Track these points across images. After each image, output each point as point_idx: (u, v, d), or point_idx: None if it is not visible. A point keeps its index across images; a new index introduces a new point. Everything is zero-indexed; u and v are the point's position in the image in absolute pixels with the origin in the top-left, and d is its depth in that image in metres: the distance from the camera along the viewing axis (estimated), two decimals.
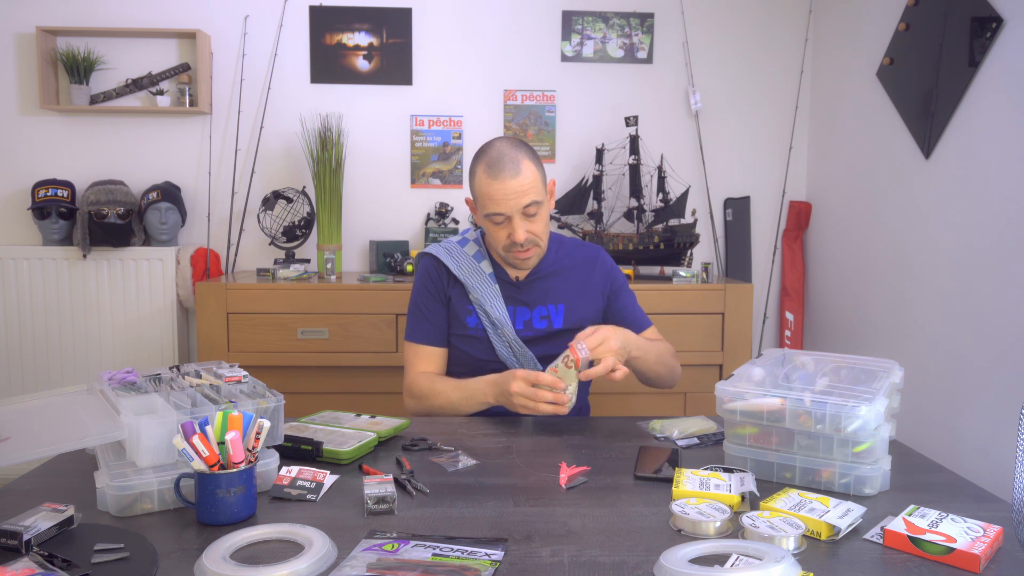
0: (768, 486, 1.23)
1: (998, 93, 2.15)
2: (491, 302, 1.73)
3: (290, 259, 3.07)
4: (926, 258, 2.46)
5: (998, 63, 2.15)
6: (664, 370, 1.73)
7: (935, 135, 2.40)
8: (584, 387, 1.86)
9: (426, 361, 1.77)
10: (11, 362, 3.05)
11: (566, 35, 3.23)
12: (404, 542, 1.01)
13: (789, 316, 3.29)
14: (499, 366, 1.72)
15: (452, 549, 1.00)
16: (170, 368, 1.42)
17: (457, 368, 1.79)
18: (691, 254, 3.03)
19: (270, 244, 3.11)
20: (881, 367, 1.36)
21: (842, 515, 1.07)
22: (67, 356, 3.05)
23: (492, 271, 1.77)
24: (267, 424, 1.14)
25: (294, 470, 1.23)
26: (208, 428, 1.08)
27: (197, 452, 1.06)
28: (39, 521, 1.00)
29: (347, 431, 1.43)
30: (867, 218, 2.83)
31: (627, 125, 3.10)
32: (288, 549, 0.99)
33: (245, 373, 1.37)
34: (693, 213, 3.03)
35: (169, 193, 3.06)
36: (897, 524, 1.04)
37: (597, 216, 3.11)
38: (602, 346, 1.52)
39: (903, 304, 2.59)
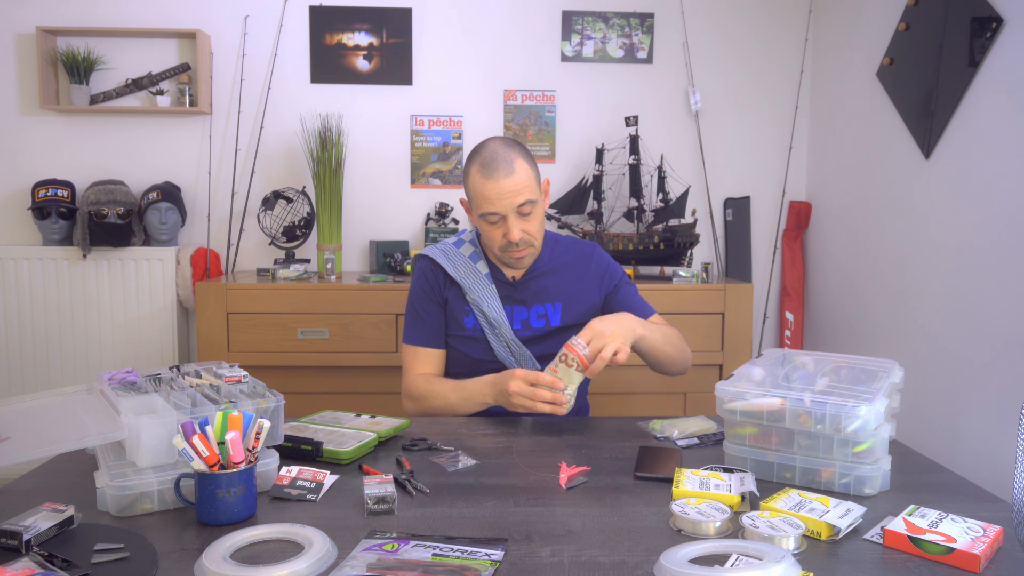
0: (768, 486, 1.23)
1: (998, 93, 2.15)
2: (488, 302, 1.73)
3: (290, 259, 3.07)
4: (926, 258, 2.46)
5: (998, 63, 2.15)
6: (674, 351, 1.71)
7: (935, 135, 2.40)
8: (584, 387, 1.86)
9: (424, 363, 1.77)
10: (11, 362, 3.05)
11: (566, 35, 3.23)
12: (404, 542, 1.01)
13: (789, 316, 3.29)
14: (497, 366, 1.72)
15: (452, 549, 1.00)
16: (170, 368, 1.42)
17: (456, 369, 1.79)
18: (691, 254, 3.03)
19: (270, 244, 3.11)
20: (881, 367, 1.36)
21: (842, 515, 1.07)
22: (67, 356, 3.05)
23: (488, 271, 1.77)
24: (267, 424, 1.14)
25: (294, 470, 1.23)
26: (208, 428, 1.08)
27: (197, 452, 1.06)
28: (39, 521, 1.00)
29: (347, 431, 1.43)
30: (867, 218, 2.83)
31: (627, 125, 3.10)
32: (288, 549, 0.99)
33: (245, 373, 1.37)
34: (693, 213, 3.03)
35: (169, 193, 3.06)
36: (897, 524, 1.04)
37: (597, 216, 3.11)
38: (597, 339, 1.51)
39: (903, 304, 2.59)
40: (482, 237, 1.74)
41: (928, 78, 2.44)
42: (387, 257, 3.05)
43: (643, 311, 1.81)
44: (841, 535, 1.05)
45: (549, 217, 3.21)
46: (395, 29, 3.18)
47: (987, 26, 2.18)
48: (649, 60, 3.25)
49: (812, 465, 1.23)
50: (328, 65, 3.19)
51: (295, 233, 3.10)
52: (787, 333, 3.28)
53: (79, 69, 3.04)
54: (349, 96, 3.21)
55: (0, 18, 3.09)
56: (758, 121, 3.30)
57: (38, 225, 3.03)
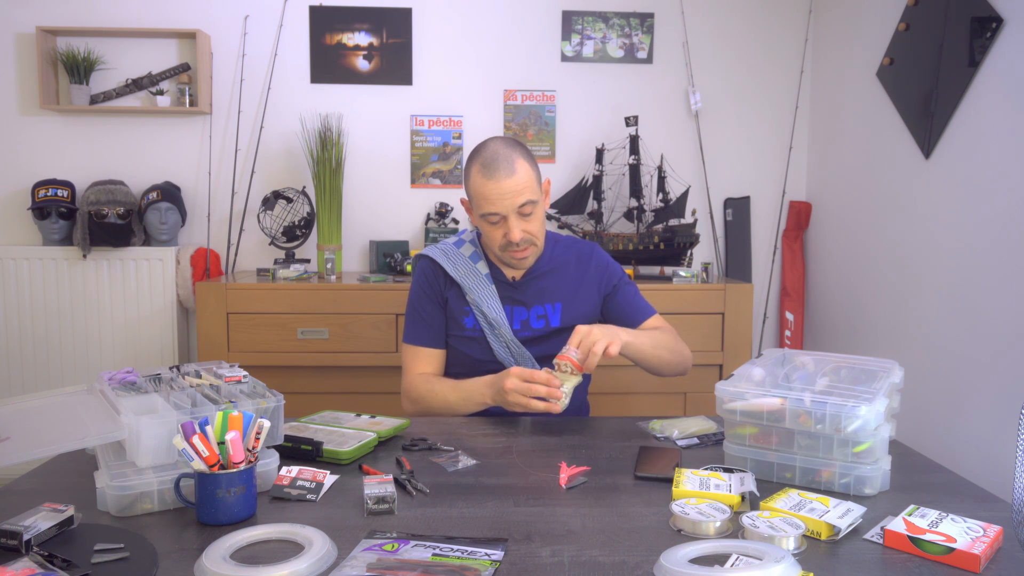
0: (768, 486, 1.23)
1: (998, 93, 2.15)
2: (488, 303, 1.73)
3: (290, 259, 3.07)
4: (926, 258, 2.46)
5: (998, 63, 2.15)
6: (667, 354, 1.71)
7: (935, 135, 2.40)
8: (584, 387, 1.86)
9: (424, 363, 1.77)
10: (11, 362, 3.05)
11: (566, 35, 3.23)
12: (404, 542, 1.01)
13: (789, 316, 3.29)
14: (497, 367, 1.72)
15: (452, 549, 1.00)
16: (170, 368, 1.42)
17: (456, 369, 1.79)
18: (691, 254, 3.03)
19: (270, 244, 3.11)
20: (881, 367, 1.36)
21: (842, 515, 1.07)
22: (67, 356, 3.05)
23: (488, 271, 1.77)
24: (267, 424, 1.14)
25: (294, 470, 1.23)
26: (208, 428, 1.08)
27: (197, 452, 1.06)
28: (39, 521, 1.00)
29: (347, 431, 1.43)
30: (867, 218, 2.83)
31: (627, 125, 3.10)
32: (288, 549, 0.99)
33: (245, 373, 1.37)
34: (693, 213, 3.03)
35: (169, 193, 3.06)
36: (897, 524, 1.04)
37: (597, 216, 3.11)
38: (586, 339, 1.51)
39: (903, 304, 2.59)
40: (483, 237, 1.74)
41: (928, 78, 2.44)
42: (387, 257, 3.05)
43: (643, 311, 1.81)
44: (841, 535, 1.05)
45: (549, 217, 3.21)
46: (395, 29, 3.18)
47: (987, 26, 2.18)
48: (649, 60, 3.25)
49: (812, 465, 1.23)
50: (328, 65, 3.19)
51: (295, 233, 3.10)
52: (787, 333, 3.28)
53: (79, 69, 3.04)
54: (349, 96, 3.21)
55: (0, 18, 3.09)
56: (758, 121, 3.30)
57: (38, 225, 3.03)
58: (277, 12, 3.16)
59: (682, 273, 2.93)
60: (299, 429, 1.43)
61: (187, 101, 3.10)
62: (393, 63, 3.20)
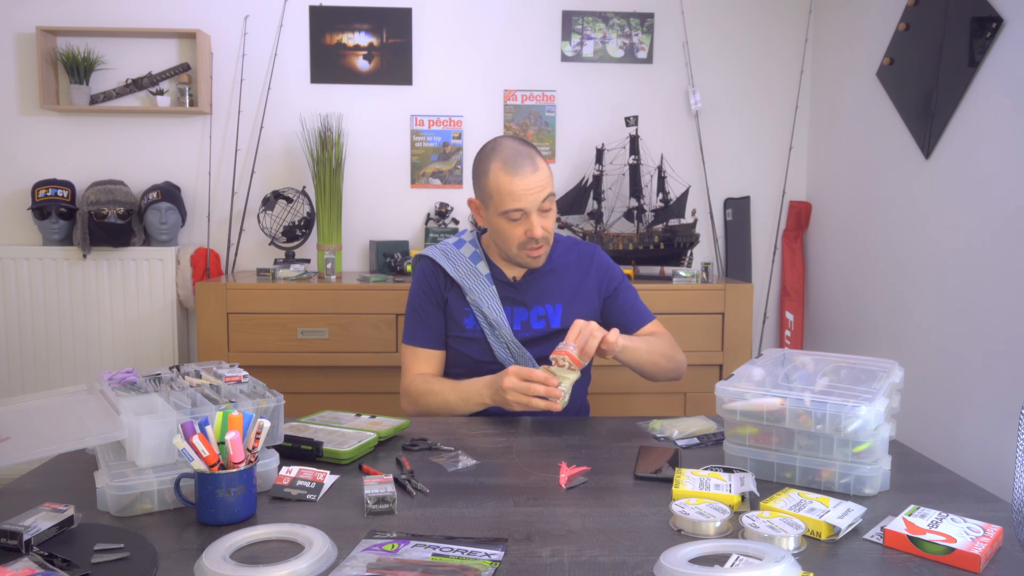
0: (768, 486, 1.23)
1: (998, 93, 2.15)
2: (488, 303, 1.73)
3: (290, 259, 3.07)
4: (926, 258, 2.47)
5: (998, 63, 2.15)
6: (663, 360, 1.72)
7: (935, 135, 2.40)
8: (583, 386, 1.86)
9: (423, 363, 1.77)
10: (11, 362, 3.05)
11: (566, 35, 3.23)
12: (404, 542, 1.01)
13: (789, 316, 3.29)
14: (497, 367, 1.71)
15: (452, 549, 1.00)
16: (170, 368, 1.42)
17: (456, 369, 1.79)
18: (691, 254, 3.03)
19: (270, 244, 3.11)
20: (881, 367, 1.36)
21: (842, 515, 1.07)
22: (67, 356, 3.05)
23: (489, 272, 1.76)
24: (267, 424, 1.14)
25: (294, 470, 1.23)
26: (208, 428, 1.08)
27: (197, 452, 1.06)
28: (39, 521, 1.00)
29: (347, 431, 1.43)
30: (867, 218, 2.83)
31: (627, 125, 3.10)
32: (288, 549, 0.99)
33: (245, 373, 1.37)
34: (693, 213, 3.03)
35: (169, 193, 3.06)
36: (897, 524, 1.04)
37: (597, 216, 3.11)
38: (584, 331, 1.52)
39: (903, 304, 2.59)
40: (497, 237, 1.71)
41: (928, 78, 2.44)
42: (387, 257, 3.05)
43: (642, 316, 1.81)
44: (841, 535, 1.05)
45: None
46: (395, 29, 3.18)
47: (987, 26, 2.18)
48: (649, 60, 3.25)
49: (812, 465, 1.23)
50: (328, 65, 3.19)
51: (295, 233, 3.10)
52: (787, 333, 3.28)
53: (79, 69, 3.04)
54: (349, 96, 3.21)
55: (0, 18, 3.09)
56: (758, 121, 3.30)
57: (38, 225, 3.04)
58: (277, 12, 3.16)
59: (682, 273, 2.93)
60: (299, 429, 1.43)
61: (187, 101, 3.10)
62: (393, 63, 3.20)
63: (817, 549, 1.02)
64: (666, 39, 3.25)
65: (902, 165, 2.60)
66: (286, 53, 3.18)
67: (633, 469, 1.32)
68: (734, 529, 1.08)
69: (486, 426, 1.57)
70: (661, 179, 3.08)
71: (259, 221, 3.10)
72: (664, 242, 2.94)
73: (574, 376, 1.52)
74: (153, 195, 3.04)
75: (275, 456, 1.23)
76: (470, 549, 1.00)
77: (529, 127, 3.25)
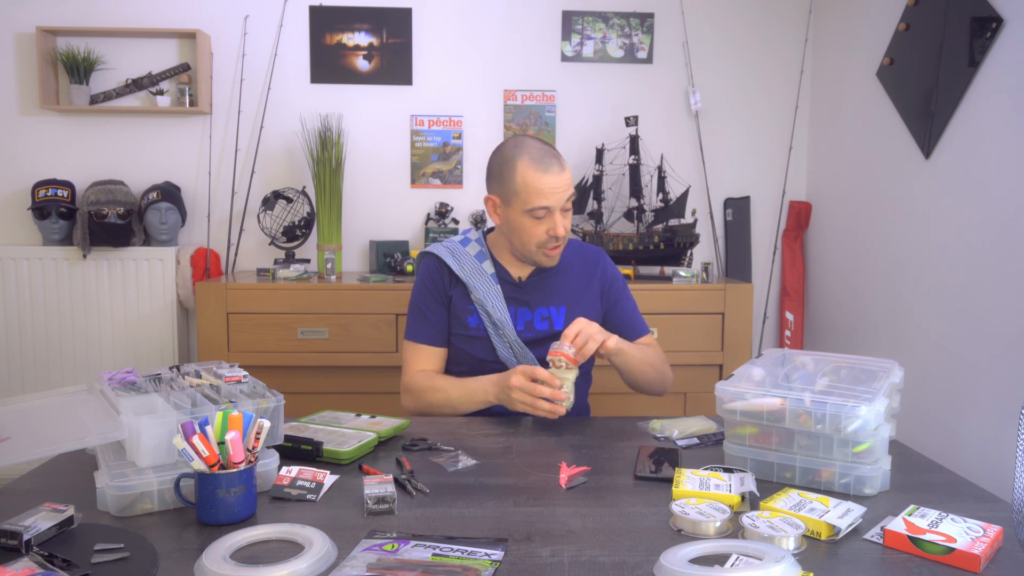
0: (768, 486, 1.23)
1: (998, 93, 2.15)
2: (492, 303, 1.73)
3: (290, 259, 3.07)
4: (926, 258, 2.47)
5: (998, 63, 2.15)
6: (652, 372, 1.73)
7: (935, 135, 2.40)
8: (584, 387, 1.86)
9: (425, 360, 1.77)
10: (11, 362, 3.05)
11: (566, 35, 3.23)
12: (404, 542, 1.01)
13: (789, 316, 3.29)
14: (500, 367, 1.72)
15: (452, 549, 1.00)
16: (170, 368, 1.42)
17: (458, 368, 1.78)
18: (691, 254, 3.03)
19: (270, 244, 3.11)
20: (881, 367, 1.36)
21: (842, 515, 1.07)
22: (67, 356, 3.05)
23: (494, 271, 1.76)
24: (267, 424, 1.14)
25: (294, 470, 1.23)
26: (208, 428, 1.08)
27: (197, 452, 1.06)
28: (39, 521, 1.00)
29: (347, 431, 1.43)
30: (867, 218, 2.83)
31: (627, 125, 3.10)
32: (288, 549, 0.99)
33: (245, 373, 1.37)
34: (693, 213, 3.03)
35: (169, 193, 3.06)
36: (897, 524, 1.04)
37: (597, 216, 3.11)
38: (584, 331, 1.54)
39: (903, 304, 2.59)
40: (512, 234, 1.71)
41: (928, 78, 2.44)
42: (387, 257, 3.05)
43: (639, 328, 1.82)
44: (841, 535, 1.05)
45: None
46: (395, 29, 3.18)
47: (987, 26, 2.18)
48: (649, 60, 3.25)
49: (812, 465, 1.23)
50: (328, 65, 3.19)
51: (295, 233, 3.10)
52: (787, 333, 3.28)
53: (79, 69, 3.04)
54: (349, 96, 3.21)
55: (0, 18, 3.09)
56: (758, 121, 3.30)
57: (38, 225, 3.03)
58: (277, 12, 3.16)
59: (682, 273, 2.93)
60: (299, 429, 1.43)
61: (187, 101, 3.10)
62: (393, 63, 3.20)
63: (817, 549, 1.02)
64: (666, 39, 3.25)
65: (902, 165, 2.60)
66: (286, 53, 3.18)
67: (633, 469, 1.32)
68: (734, 529, 1.08)
69: (486, 426, 1.57)
70: (661, 179, 3.08)
71: (259, 221, 3.10)
72: (664, 242, 2.94)
73: (573, 375, 1.53)
74: (153, 195, 3.04)
75: (275, 456, 1.23)
76: (470, 549, 1.00)
77: (529, 127, 3.25)
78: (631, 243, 2.99)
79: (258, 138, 3.17)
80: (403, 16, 3.18)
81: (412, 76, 3.21)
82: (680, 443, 1.47)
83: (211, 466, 1.07)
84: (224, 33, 3.15)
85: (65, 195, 3.02)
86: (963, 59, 2.27)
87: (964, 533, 1.01)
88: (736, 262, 3.30)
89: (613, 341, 1.56)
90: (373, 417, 1.53)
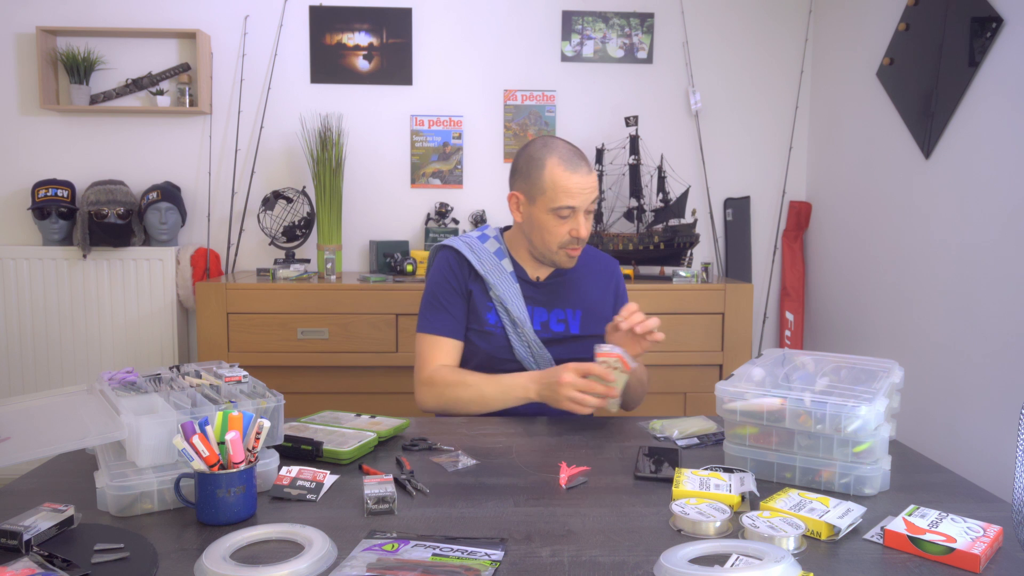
0: (768, 486, 1.23)
1: (998, 93, 2.15)
2: (513, 301, 1.72)
3: (290, 259, 3.07)
4: (926, 258, 2.47)
5: (998, 63, 2.15)
6: (638, 387, 1.75)
7: (935, 135, 2.40)
8: None
9: (444, 354, 1.72)
10: (11, 362, 3.05)
11: (566, 35, 3.23)
12: (404, 542, 1.01)
13: (789, 316, 3.29)
14: (515, 365, 1.71)
15: (452, 549, 1.00)
16: (170, 368, 1.42)
17: (469, 364, 1.75)
18: (691, 254, 3.03)
19: (270, 244, 3.11)
20: (881, 367, 1.36)
21: (842, 515, 1.07)
22: (67, 356, 3.05)
23: (512, 270, 1.76)
24: (267, 424, 1.14)
25: (294, 470, 1.23)
26: (208, 428, 1.08)
27: (197, 452, 1.06)
28: (39, 521, 1.00)
29: (347, 431, 1.43)
30: (867, 218, 2.83)
31: (627, 125, 3.10)
32: (288, 549, 0.99)
33: (245, 373, 1.37)
34: (693, 213, 3.03)
35: (169, 193, 3.06)
36: (897, 524, 1.04)
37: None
38: (634, 316, 1.54)
39: (903, 304, 2.59)
40: (534, 232, 1.70)
41: (928, 78, 2.44)
42: (387, 257, 3.05)
43: None
44: (841, 535, 1.05)
45: None
46: (395, 29, 3.18)
47: (987, 26, 2.18)
48: (649, 60, 3.25)
49: (812, 465, 1.23)
50: (328, 65, 3.19)
51: (295, 233, 3.10)
52: (787, 333, 3.28)
53: (79, 69, 3.04)
54: (349, 96, 3.21)
55: (0, 18, 3.09)
56: (758, 121, 3.30)
57: (38, 225, 3.04)
58: (277, 12, 3.16)
59: (682, 273, 2.93)
60: (299, 429, 1.43)
61: (187, 101, 3.10)
62: (393, 63, 3.20)
63: (817, 549, 1.02)
64: (666, 39, 3.25)
65: (902, 165, 2.60)
66: (286, 53, 3.18)
67: (633, 469, 1.32)
68: (734, 529, 1.08)
69: (486, 426, 1.57)
70: (661, 179, 3.08)
71: (259, 221, 3.10)
72: (664, 242, 2.94)
73: (625, 378, 1.51)
74: (153, 195, 3.04)
75: (275, 456, 1.23)
76: (470, 549, 1.00)
77: (529, 127, 3.25)
78: (631, 243, 2.99)
79: (258, 138, 3.17)
80: (403, 16, 3.18)
81: (412, 76, 3.21)
82: (680, 443, 1.47)
83: (211, 466, 1.07)
84: (224, 33, 3.16)
85: (65, 195, 3.02)
86: (963, 59, 2.27)
87: (964, 533, 1.01)
88: (736, 262, 3.30)
89: (660, 335, 1.57)
90: (373, 417, 1.53)
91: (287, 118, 3.19)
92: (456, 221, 3.19)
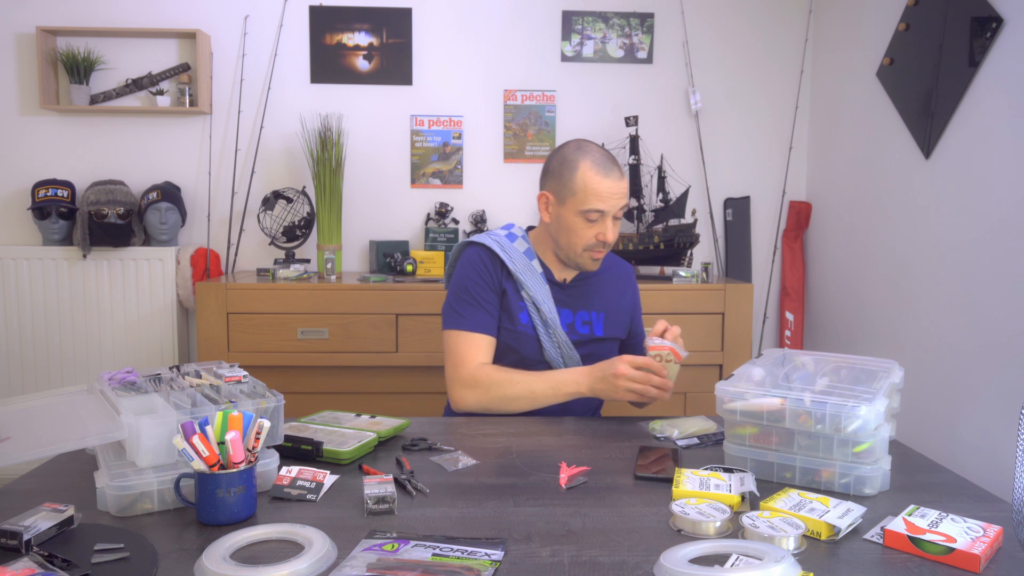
0: (768, 486, 1.23)
1: (998, 93, 2.15)
2: (544, 301, 1.72)
3: (290, 259, 3.07)
4: (926, 258, 2.47)
5: (998, 63, 2.15)
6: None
7: (935, 135, 2.40)
8: None
9: (482, 352, 1.68)
10: (11, 362, 3.05)
11: (566, 35, 3.23)
12: (404, 542, 1.01)
13: (789, 316, 3.29)
14: (544, 366, 1.71)
15: (452, 549, 1.00)
16: (170, 368, 1.42)
17: (501, 364, 1.72)
18: (691, 254, 3.03)
19: (270, 244, 3.11)
20: (881, 367, 1.36)
21: (842, 515, 1.07)
22: (67, 356, 3.05)
23: (542, 270, 1.76)
24: (267, 424, 1.14)
25: (294, 470, 1.23)
26: (208, 428, 1.08)
27: (197, 452, 1.06)
28: (39, 521, 1.00)
29: (347, 431, 1.43)
30: (867, 218, 2.83)
31: (627, 125, 3.10)
32: (288, 549, 0.99)
33: (245, 373, 1.36)
34: (693, 213, 3.03)
35: (169, 193, 3.06)
36: (897, 524, 1.04)
37: None
38: (673, 328, 1.57)
39: (903, 304, 2.59)
40: (561, 233, 1.70)
41: (928, 78, 2.44)
42: (387, 257, 3.05)
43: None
44: (841, 535, 1.05)
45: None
46: (395, 29, 3.18)
47: (987, 26, 2.18)
48: (649, 60, 3.25)
49: (812, 465, 1.23)
50: (328, 65, 3.19)
51: (295, 233, 3.10)
52: (787, 333, 3.28)
53: (79, 69, 3.04)
54: (349, 96, 3.21)
55: (0, 18, 3.09)
56: (758, 121, 3.30)
57: (38, 225, 3.04)
58: (277, 12, 3.16)
59: (682, 273, 2.93)
60: (299, 429, 1.43)
61: (187, 101, 3.10)
62: (393, 63, 3.20)
63: (817, 549, 1.02)
64: (666, 39, 3.25)
65: (902, 165, 2.60)
66: (286, 53, 3.18)
67: (633, 469, 1.32)
68: (734, 529, 1.08)
69: (486, 426, 1.57)
70: (661, 179, 3.08)
71: (259, 221, 3.10)
72: (664, 242, 2.94)
73: (677, 369, 1.56)
74: (153, 195, 3.04)
75: (275, 456, 1.23)
76: (470, 549, 1.00)
77: (529, 127, 3.25)
78: (631, 243, 2.99)
79: (258, 138, 3.17)
80: (403, 16, 3.18)
81: (412, 76, 3.21)
82: (680, 443, 1.47)
83: (211, 466, 1.07)
84: (224, 33, 3.15)
85: (65, 195, 3.02)
86: (963, 59, 2.27)
87: (964, 533, 1.01)
88: (736, 262, 3.30)
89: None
90: (373, 417, 1.53)
91: (287, 118, 3.19)
92: (456, 221, 3.19)
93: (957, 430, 2.29)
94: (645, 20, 3.23)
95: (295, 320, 2.73)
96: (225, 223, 3.18)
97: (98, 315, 3.04)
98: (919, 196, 2.51)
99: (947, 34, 2.34)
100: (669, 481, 1.23)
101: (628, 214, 3.11)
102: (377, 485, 1.16)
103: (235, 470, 1.08)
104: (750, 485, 1.17)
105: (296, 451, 1.33)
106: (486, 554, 0.99)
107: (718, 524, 1.06)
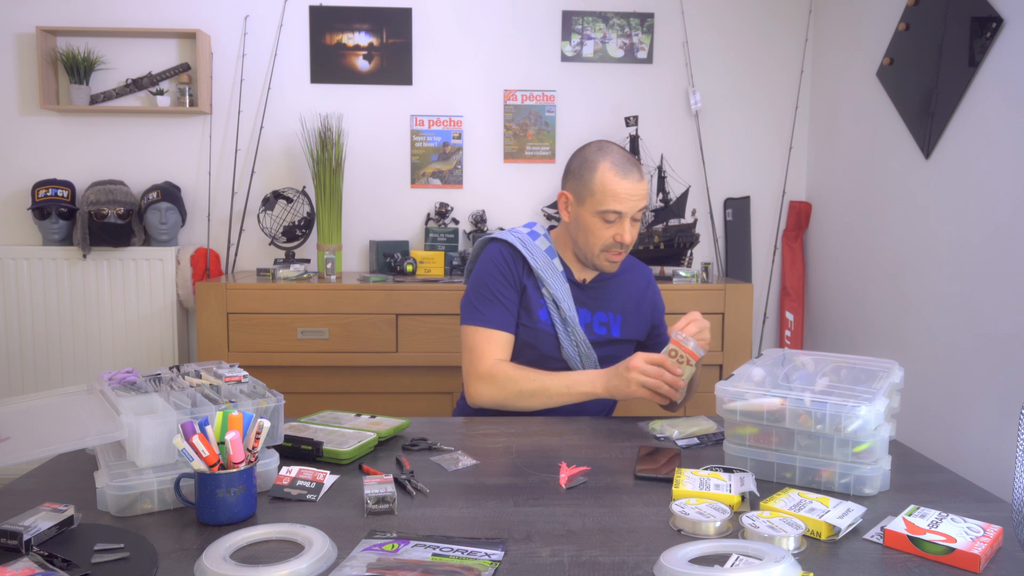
0: (768, 486, 1.23)
1: (998, 93, 2.15)
2: (564, 300, 1.72)
3: (290, 259, 3.07)
4: (926, 258, 2.47)
5: (998, 63, 2.15)
6: (694, 384, 1.76)
7: (935, 135, 2.40)
8: None
9: (499, 348, 1.69)
10: (11, 362, 3.05)
11: (566, 35, 3.23)
12: (404, 542, 1.01)
13: (789, 316, 3.29)
14: (562, 365, 1.72)
15: (452, 549, 1.00)
16: (170, 368, 1.42)
17: (518, 361, 1.73)
18: (691, 254, 3.03)
19: (270, 244, 3.11)
20: (881, 367, 1.36)
21: (842, 515, 1.07)
22: (67, 356, 3.05)
23: (562, 269, 1.76)
24: (267, 424, 1.14)
25: (294, 470, 1.23)
26: (208, 428, 1.08)
27: (197, 452, 1.06)
28: (39, 521, 1.00)
29: (347, 431, 1.43)
30: (867, 218, 2.83)
31: (627, 125, 3.10)
32: (288, 549, 0.99)
33: (245, 373, 1.36)
34: (693, 213, 3.03)
35: (169, 193, 3.06)
36: (897, 524, 1.04)
37: None
38: (700, 322, 1.56)
39: (903, 304, 2.59)
40: (579, 234, 1.70)
41: (928, 78, 2.44)
42: (387, 257, 3.05)
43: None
44: (841, 535, 1.05)
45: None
46: (395, 29, 3.18)
47: (987, 26, 2.18)
48: (649, 60, 3.25)
49: (812, 465, 1.23)
50: (328, 65, 3.19)
51: (295, 233, 3.10)
52: (787, 333, 3.28)
53: (79, 69, 3.04)
54: (349, 96, 3.21)
55: (0, 18, 3.09)
56: (758, 121, 3.30)
57: (38, 225, 3.04)
58: (277, 12, 3.16)
59: (682, 273, 2.93)
60: (299, 429, 1.43)
61: (187, 101, 3.10)
62: (393, 63, 3.20)
63: (817, 549, 1.02)
64: (666, 39, 3.25)
65: (902, 165, 2.60)
66: (286, 53, 3.18)
67: (633, 469, 1.32)
68: (734, 529, 1.08)
69: (486, 426, 1.57)
70: (661, 179, 3.08)
71: (259, 221, 3.10)
72: (664, 242, 2.94)
73: (692, 370, 1.54)
74: (153, 195, 3.04)
75: (275, 456, 1.23)
76: (470, 549, 1.00)
77: (529, 127, 3.25)
78: None
79: (258, 138, 3.17)
80: (403, 16, 3.18)
81: (412, 76, 3.21)
82: (680, 443, 1.47)
83: (211, 466, 1.07)
84: (224, 33, 3.16)
85: (65, 195, 3.02)
86: (963, 59, 2.27)
87: (964, 533, 1.01)
88: (736, 262, 3.30)
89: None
90: (373, 417, 1.53)
91: (287, 118, 3.19)
92: (456, 221, 3.19)
93: (957, 430, 2.29)
94: (645, 20, 3.23)
95: (295, 320, 2.73)
96: (225, 223, 3.18)
97: (98, 315, 3.04)
98: (919, 196, 2.51)
99: (947, 34, 2.34)
100: (669, 481, 1.23)
101: None
102: (377, 485, 1.16)
103: (235, 470, 1.08)
104: (750, 485, 1.17)
105: (296, 451, 1.33)
106: (486, 554, 0.99)
107: (718, 524, 1.06)
